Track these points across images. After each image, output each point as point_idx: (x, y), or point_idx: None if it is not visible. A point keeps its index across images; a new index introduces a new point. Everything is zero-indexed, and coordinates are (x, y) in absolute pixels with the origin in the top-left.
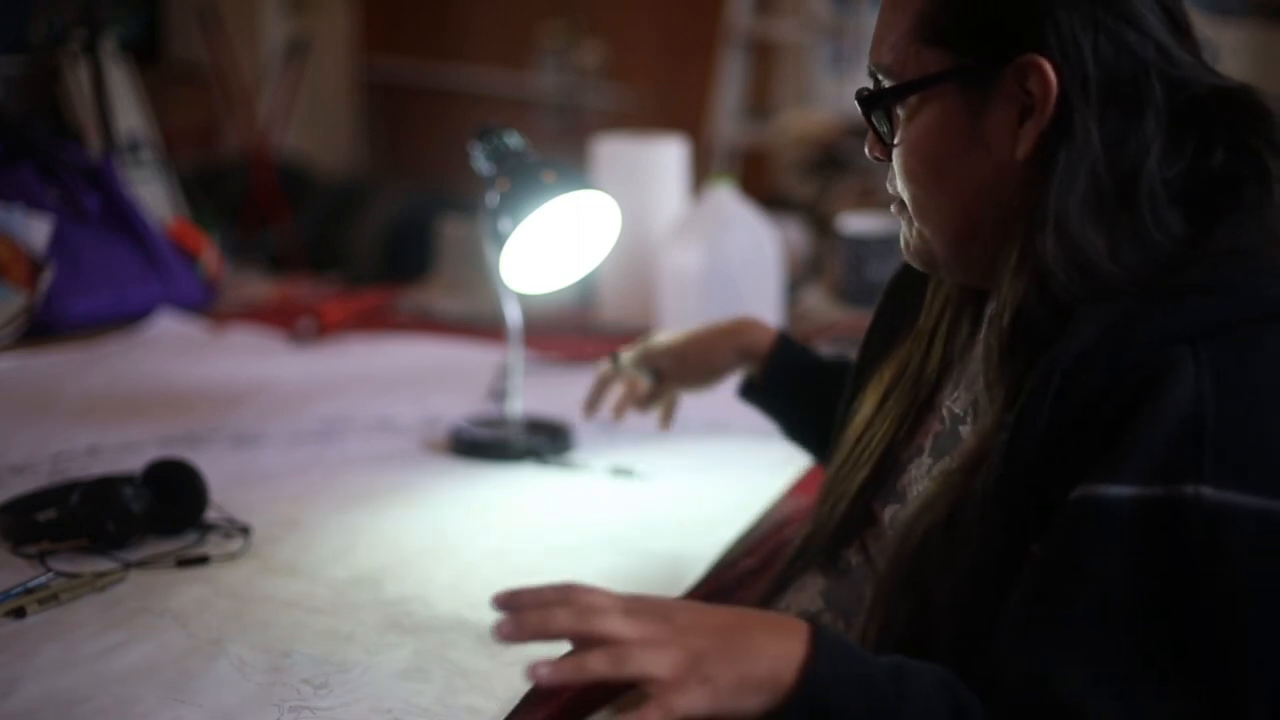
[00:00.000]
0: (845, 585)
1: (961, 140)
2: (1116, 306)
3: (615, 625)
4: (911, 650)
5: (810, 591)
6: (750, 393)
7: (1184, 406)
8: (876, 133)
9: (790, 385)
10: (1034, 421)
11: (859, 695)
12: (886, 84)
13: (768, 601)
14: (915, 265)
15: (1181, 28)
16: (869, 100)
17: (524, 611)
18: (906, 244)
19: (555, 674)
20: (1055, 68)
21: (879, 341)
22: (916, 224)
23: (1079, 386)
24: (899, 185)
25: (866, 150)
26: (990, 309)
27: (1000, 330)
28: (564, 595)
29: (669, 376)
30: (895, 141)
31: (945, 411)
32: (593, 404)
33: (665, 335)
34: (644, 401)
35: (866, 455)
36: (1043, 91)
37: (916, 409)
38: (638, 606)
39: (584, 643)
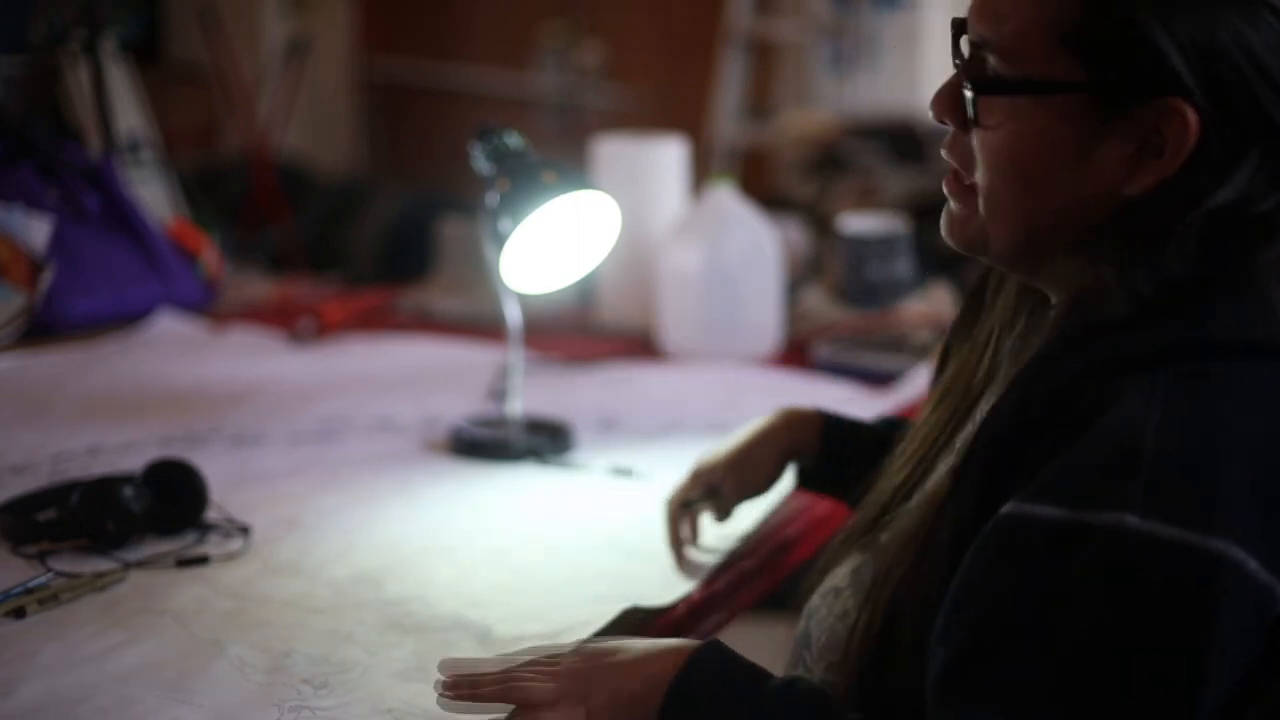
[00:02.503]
0: (870, 565)
1: (1068, 155)
2: (1096, 320)
3: (526, 672)
4: (886, 644)
5: (844, 569)
6: (809, 483)
7: (1127, 434)
8: (962, 105)
9: (846, 468)
10: (992, 430)
11: (718, 703)
12: (993, 61)
13: (815, 578)
14: (954, 244)
15: None
16: (988, 85)
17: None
18: (951, 222)
19: (454, 689)
20: (1199, 119)
21: (957, 338)
22: (982, 211)
23: (1037, 401)
24: (979, 170)
25: (933, 111)
26: (1022, 323)
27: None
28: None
29: (727, 494)
30: (990, 125)
31: (979, 414)
32: (680, 553)
33: (712, 453)
34: (721, 519)
35: (911, 454)
36: (1179, 141)
37: (960, 414)
38: (547, 661)
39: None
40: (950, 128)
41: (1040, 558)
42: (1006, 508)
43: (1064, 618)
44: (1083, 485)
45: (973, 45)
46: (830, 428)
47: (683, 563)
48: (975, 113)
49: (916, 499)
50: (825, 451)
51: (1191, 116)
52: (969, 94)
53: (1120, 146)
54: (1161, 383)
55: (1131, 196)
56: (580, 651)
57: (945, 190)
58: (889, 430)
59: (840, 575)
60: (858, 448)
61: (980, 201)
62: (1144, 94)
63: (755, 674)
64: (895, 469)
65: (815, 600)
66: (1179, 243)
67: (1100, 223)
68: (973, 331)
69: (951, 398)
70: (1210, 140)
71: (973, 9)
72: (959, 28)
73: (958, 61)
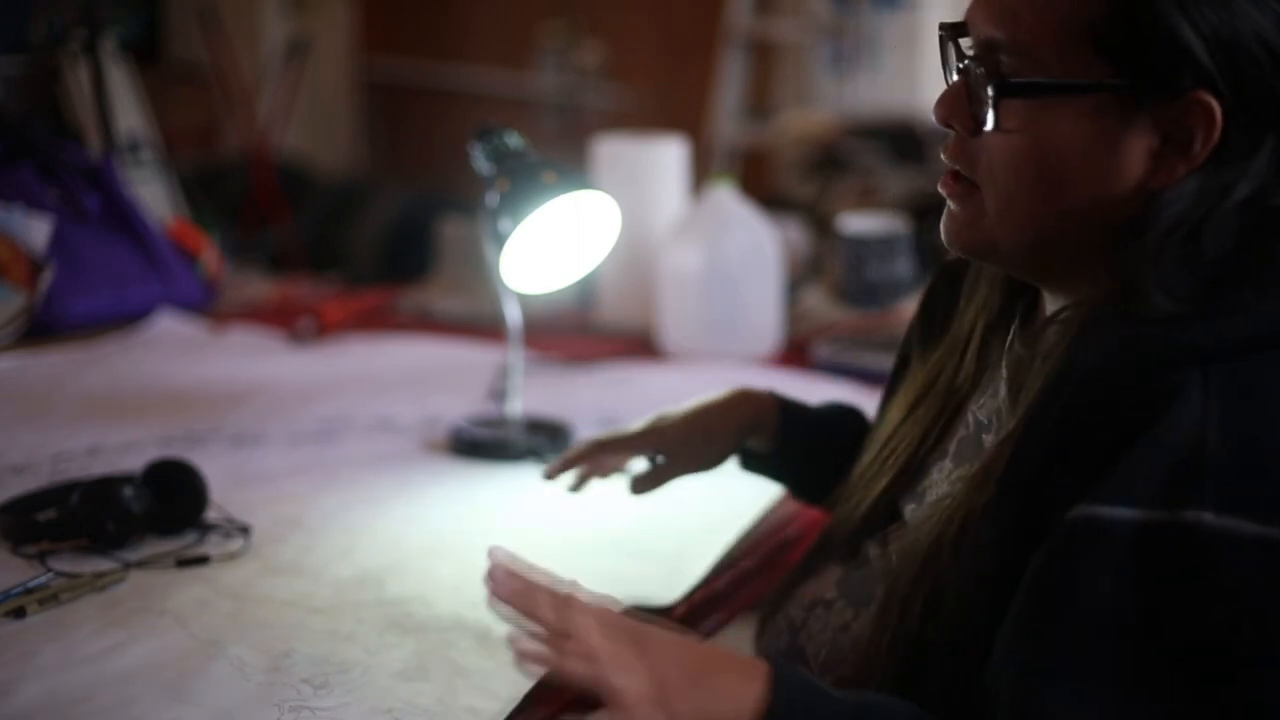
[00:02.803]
0: (861, 576)
1: (1091, 155)
2: (1135, 318)
3: (590, 634)
4: (919, 654)
5: (827, 580)
6: (752, 465)
7: (1189, 431)
8: (973, 109)
9: (802, 453)
10: (1039, 432)
11: None
12: (1006, 61)
13: (785, 591)
14: (958, 250)
15: None
16: (1010, 87)
17: (520, 580)
18: (956, 226)
19: (536, 655)
20: (1224, 112)
21: (919, 342)
22: (992, 213)
23: (1087, 400)
24: (992, 173)
25: (939, 115)
26: (1016, 324)
27: (1038, 339)
28: (558, 598)
29: (674, 459)
30: (1008, 128)
31: (971, 417)
32: (560, 469)
33: (668, 415)
34: (642, 487)
35: (892, 460)
36: (1205, 133)
37: (946, 417)
38: (613, 623)
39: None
40: (952, 131)
41: (1118, 558)
42: (1075, 510)
43: (1148, 615)
44: (1155, 485)
45: (982, 47)
46: (786, 410)
47: (549, 475)
48: (996, 117)
49: (912, 507)
50: (781, 434)
51: (1218, 111)
52: (990, 97)
53: (1142, 143)
54: (1214, 379)
55: (1156, 193)
56: (660, 642)
57: (944, 192)
58: (839, 416)
59: (824, 587)
60: (819, 436)
61: (990, 204)
62: (1168, 88)
63: (833, 694)
64: (870, 476)
65: (797, 614)
66: (1212, 238)
67: (1121, 222)
68: (940, 334)
69: (932, 401)
70: (1231, 131)
71: (976, 9)
72: (954, 30)
73: (961, 65)
